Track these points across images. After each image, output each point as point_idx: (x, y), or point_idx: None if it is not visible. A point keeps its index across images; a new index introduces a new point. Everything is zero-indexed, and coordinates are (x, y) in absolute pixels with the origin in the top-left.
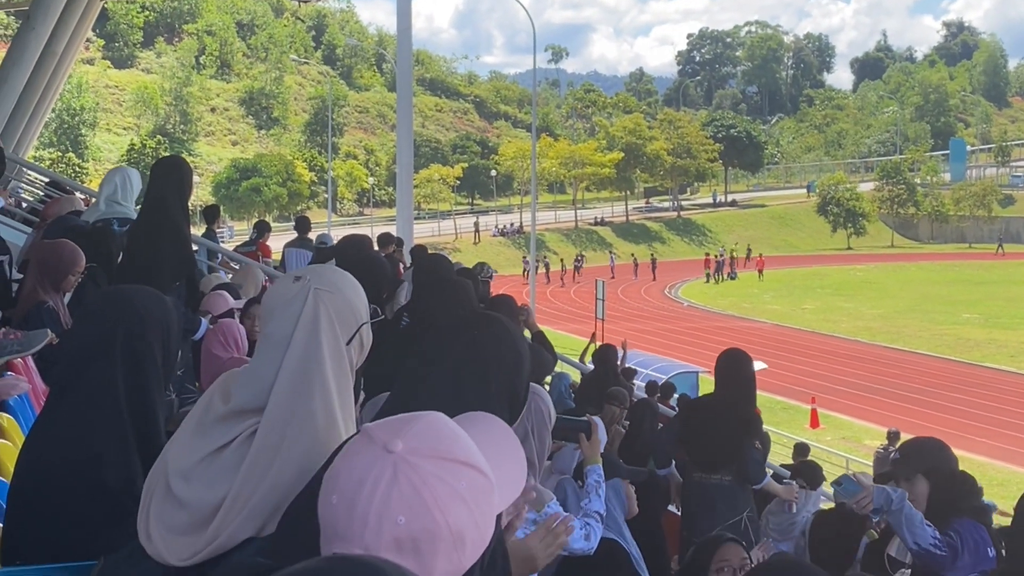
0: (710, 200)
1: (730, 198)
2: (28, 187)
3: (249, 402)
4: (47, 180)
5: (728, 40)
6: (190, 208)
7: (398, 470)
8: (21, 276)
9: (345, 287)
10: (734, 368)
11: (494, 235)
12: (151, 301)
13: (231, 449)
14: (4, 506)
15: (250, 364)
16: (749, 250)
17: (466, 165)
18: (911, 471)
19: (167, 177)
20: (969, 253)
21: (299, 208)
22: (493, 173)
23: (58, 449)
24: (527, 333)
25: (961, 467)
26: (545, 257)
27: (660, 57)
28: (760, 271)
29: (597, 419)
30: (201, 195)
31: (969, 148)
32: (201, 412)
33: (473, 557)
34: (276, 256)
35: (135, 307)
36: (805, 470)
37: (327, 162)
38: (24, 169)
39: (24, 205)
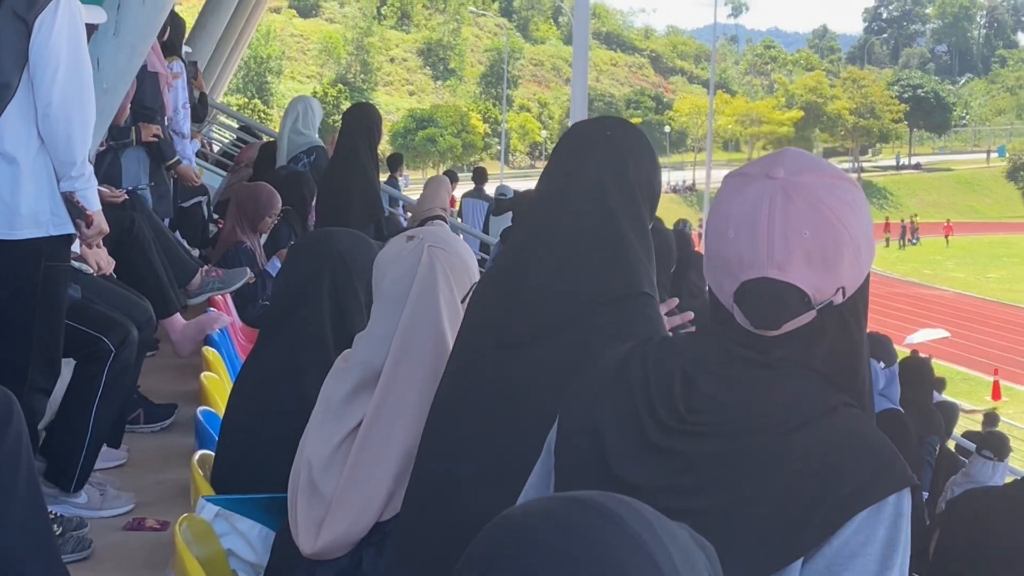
0: (893, 162)
1: (914, 161)
2: (219, 131)
3: (368, 361)
4: (239, 125)
5: None
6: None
7: (789, 190)
8: (216, 217)
9: (458, 245)
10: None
11: (666, 192)
12: (355, 243)
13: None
14: (216, 437)
15: (369, 324)
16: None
17: (640, 120)
18: None
19: (358, 124)
20: None
21: (472, 159)
22: (667, 129)
23: (269, 389)
24: None
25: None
26: None
27: (845, 14)
28: (947, 237)
29: None
30: (380, 144)
31: None
32: (329, 392)
33: (869, 261)
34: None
35: (340, 250)
36: (993, 440)
37: (501, 114)
38: (218, 113)
39: (216, 148)
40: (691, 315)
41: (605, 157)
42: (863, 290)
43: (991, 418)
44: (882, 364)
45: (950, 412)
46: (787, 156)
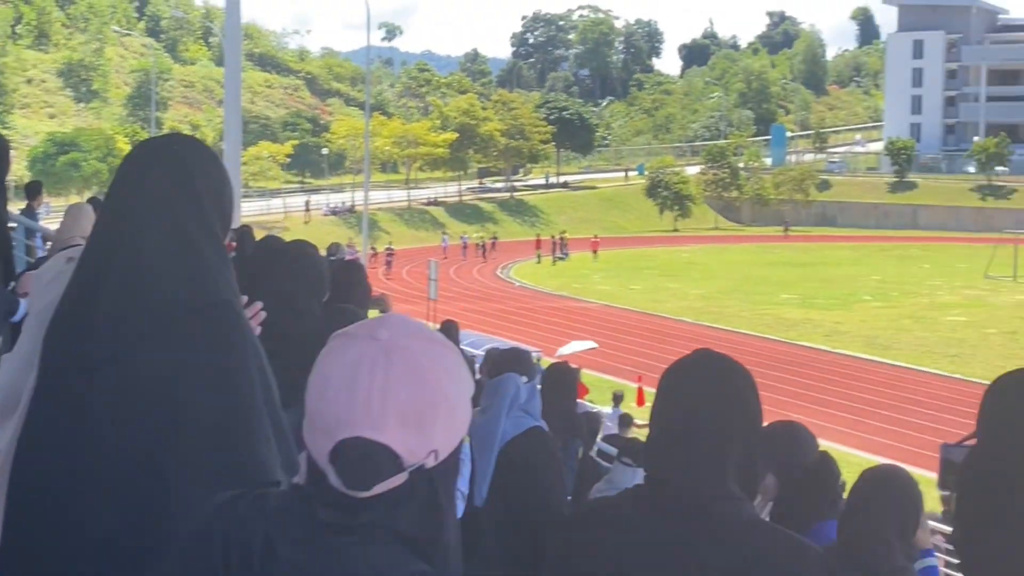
0: (543, 181)
1: (562, 180)
2: None
3: (9, 384)
4: None
5: (561, 23)
6: (8, 184)
7: (391, 352)
8: None
9: None
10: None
11: (325, 214)
12: None
13: None
14: None
15: (15, 345)
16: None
17: (297, 143)
18: (761, 469)
19: None
20: (788, 236)
21: None
22: (324, 151)
23: None
24: None
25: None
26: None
27: (495, 38)
28: (595, 252)
29: None
30: (16, 170)
31: (789, 134)
32: None
33: (463, 428)
34: None
35: None
36: (633, 447)
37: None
38: None
39: None
40: (260, 305)
41: (170, 170)
42: (455, 454)
43: (625, 419)
44: (524, 379)
45: (595, 420)
46: (392, 320)
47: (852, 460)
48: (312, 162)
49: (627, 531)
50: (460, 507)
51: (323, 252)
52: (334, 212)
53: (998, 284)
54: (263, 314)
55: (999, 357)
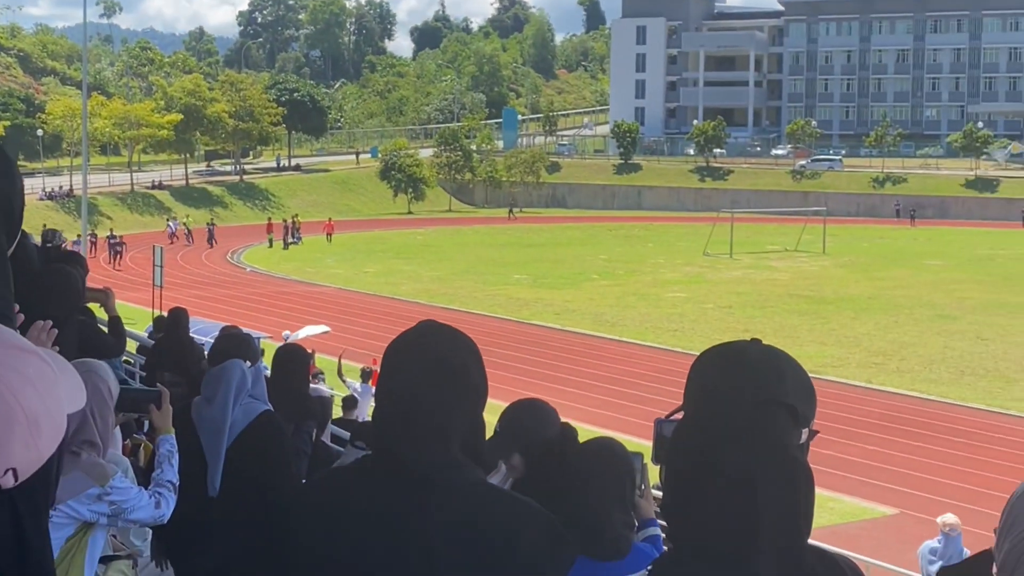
0: (274, 164)
1: (294, 162)
2: None
3: None
4: None
5: (291, 2)
6: None
7: None
8: None
9: None
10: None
11: (41, 199)
12: None
13: None
14: None
15: None
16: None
17: (8, 124)
18: (506, 449)
19: None
20: (519, 218)
21: None
22: (40, 133)
23: None
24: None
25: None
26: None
27: (221, 16)
28: (329, 235)
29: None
30: None
31: (520, 117)
32: None
33: (51, 446)
34: None
35: None
36: (366, 430)
37: None
38: None
39: None
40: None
41: None
42: (45, 474)
43: (350, 401)
44: (248, 363)
45: (327, 404)
46: None
47: (584, 434)
48: (26, 144)
49: (352, 503)
50: (171, 500)
51: (37, 239)
52: (51, 196)
53: (715, 261)
54: (55, 331)
55: (716, 331)
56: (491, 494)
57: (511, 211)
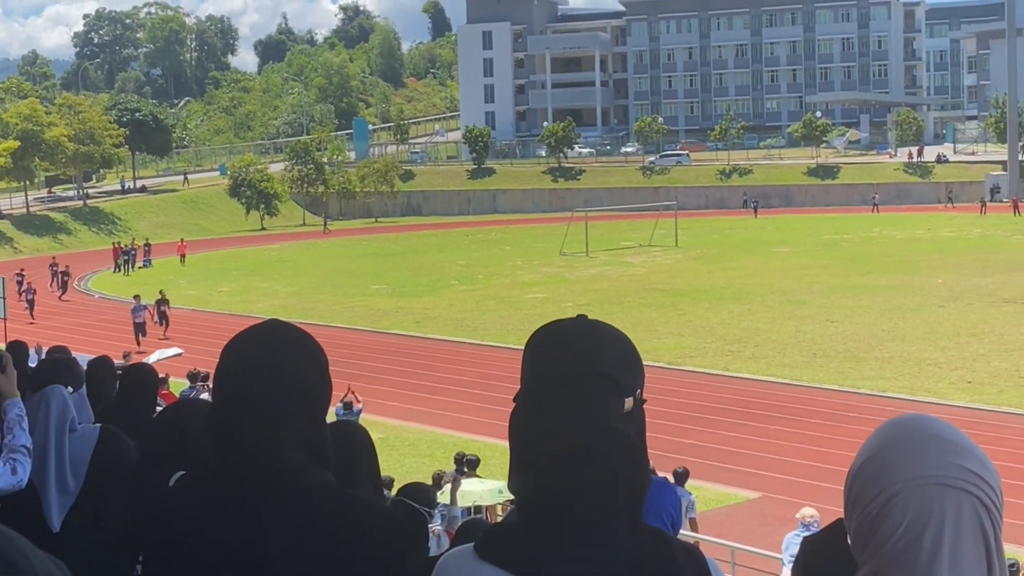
0: (119, 187)
1: (140, 184)
2: None
3: None
4: None
5: (128, 21)
6: None
7: None
8: None
9: None
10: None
11: None
12: None
13: None
14: None
15: None
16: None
17: None
18: None
19: None
20: (376, 227)
21: None
22: None
23: None
24: None
25: (374, 432)
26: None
27: (56, 38)
28: (183, 256)
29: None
30: None
31: (371, 127)
32: None
33: None
34: None
35: None
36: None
37: None
38: None
39: None
40: None
41: None
42: None
43: None
44: (70, 388)
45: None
46: None
47: (446, 441)
48: None
49: (191, 517)
50: (26, 465)
51: None
52: None
53: (572, 260)
54: None
55: None
56: (332, 499)
57: (325, 224)
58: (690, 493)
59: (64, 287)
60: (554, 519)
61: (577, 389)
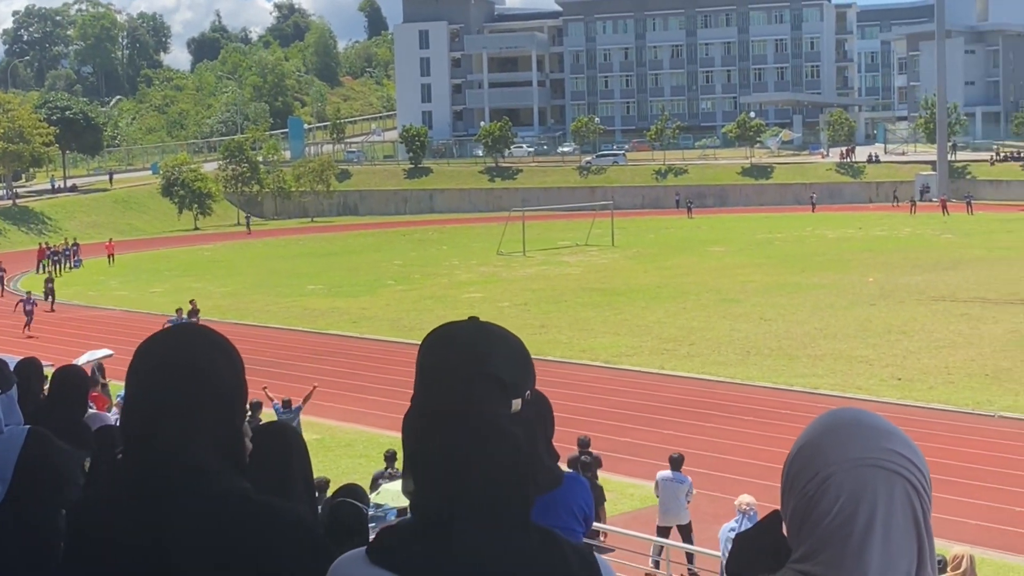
0: (48, 186)
1: (70, 183)
2: None
3: None
4: None
5: (58, 18)
6: None
7: None
8: None
9: None
10: None
11: None
12: None
13: None
14: None
15: None
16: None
17: None
18: None
19: None
20: (312, 227)
21: None
22: None
23: None
24: None
25: (310, 433)
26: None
27: None
28: (111, 256)
29: None
30: None
31: (306, 126)
32: None
33: None
34: None
35: None
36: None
37: None
38: None
39: None
40: None
41: None
42: None
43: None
44: None
45: (113, 433)
46: None
47: (383, 442)
48: None
49: (110, 514)
50: None
51: None
52: None
53: (510, 260)
54: None
55: (513, 328)
56: (243, 505)
57: (247, 224)
58: (687, 477)
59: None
60: (443, 521)
61: (464, 390)
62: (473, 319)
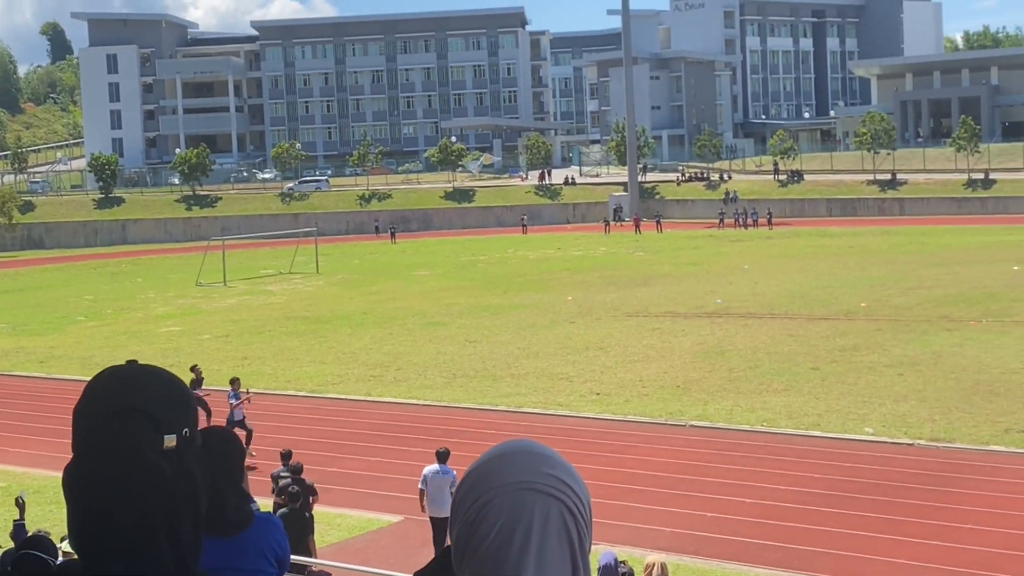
0: None
1: None
2: None
3: None
4: None
5: None
6: None
7: None
8: None
9: None
10: None
11: None
12: None
13: None
14: None
15: None
16: None
17: None
18: None
19: None
20: None
21: None
22: None
23: None
24: None
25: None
26: None
27: None
28: None
29: None
30: None
31: None
32: None
33: None
34: None
35: None
36: None
37: None
38: None
39: None
40: None
41: None
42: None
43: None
44: None
45: None
46: None
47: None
48: None
49: None
50: None
51: None
52: None
53: (210, 291)
54: None
55: (214, 361)
56: None
57: None
58: (452, 470)
59: None
60: (96, 564)
61: (107, 426)
62: (131, 361)
